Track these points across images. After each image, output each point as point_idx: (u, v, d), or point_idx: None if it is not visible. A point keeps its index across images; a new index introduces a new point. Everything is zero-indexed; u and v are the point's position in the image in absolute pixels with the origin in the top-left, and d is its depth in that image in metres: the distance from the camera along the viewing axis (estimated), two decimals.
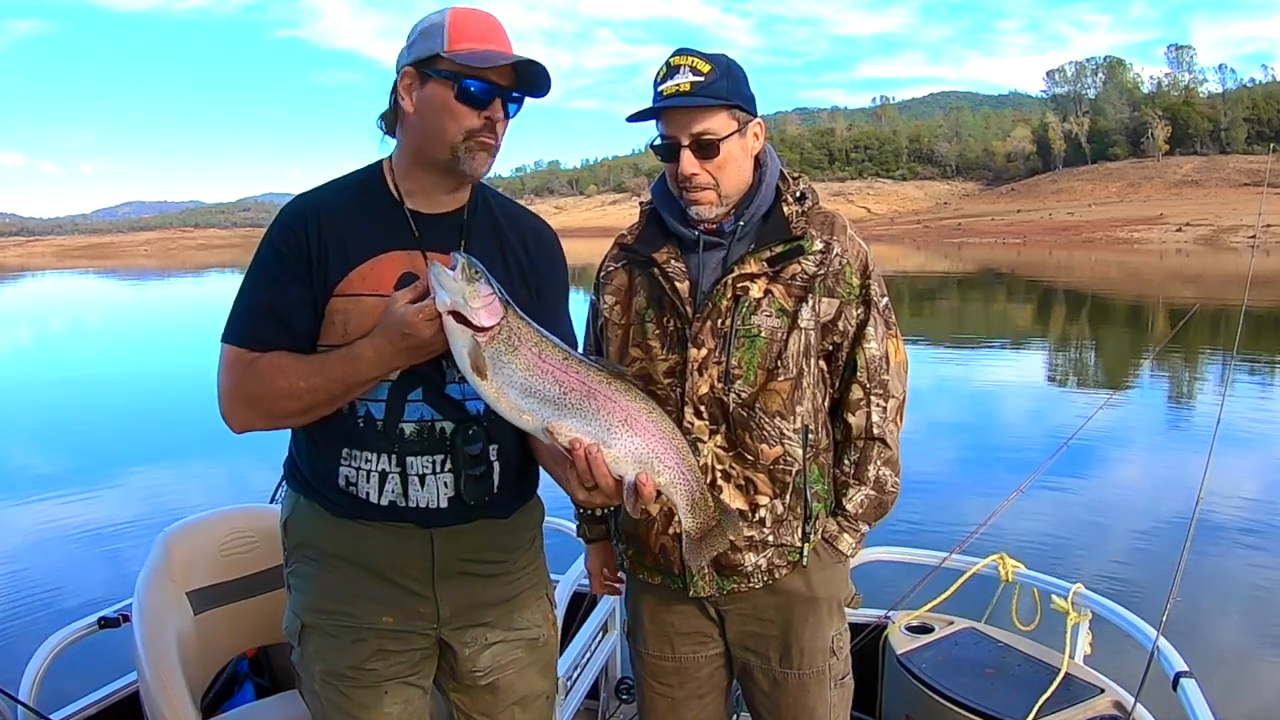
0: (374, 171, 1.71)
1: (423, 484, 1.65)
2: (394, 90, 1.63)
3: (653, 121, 1.86)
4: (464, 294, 1.43)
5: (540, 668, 1.86)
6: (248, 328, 1.61)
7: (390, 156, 1.71)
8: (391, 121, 1.68)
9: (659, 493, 1.49)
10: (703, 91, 1.76)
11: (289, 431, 1.71)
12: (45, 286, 53.07)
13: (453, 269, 1.43)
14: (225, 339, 1.62)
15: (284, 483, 1.80)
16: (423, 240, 1.64)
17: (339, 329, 1.59)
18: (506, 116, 1.63)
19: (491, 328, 1.44)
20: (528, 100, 1.65)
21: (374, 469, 1.64)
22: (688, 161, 1.80)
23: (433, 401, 1.64)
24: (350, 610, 1.68)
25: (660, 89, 1.79)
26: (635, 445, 1.47)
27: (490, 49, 1.57)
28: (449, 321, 1.44)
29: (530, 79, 1.62)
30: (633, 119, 1.85)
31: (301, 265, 1.60)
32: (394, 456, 1.64)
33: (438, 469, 1.65)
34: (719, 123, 1.79)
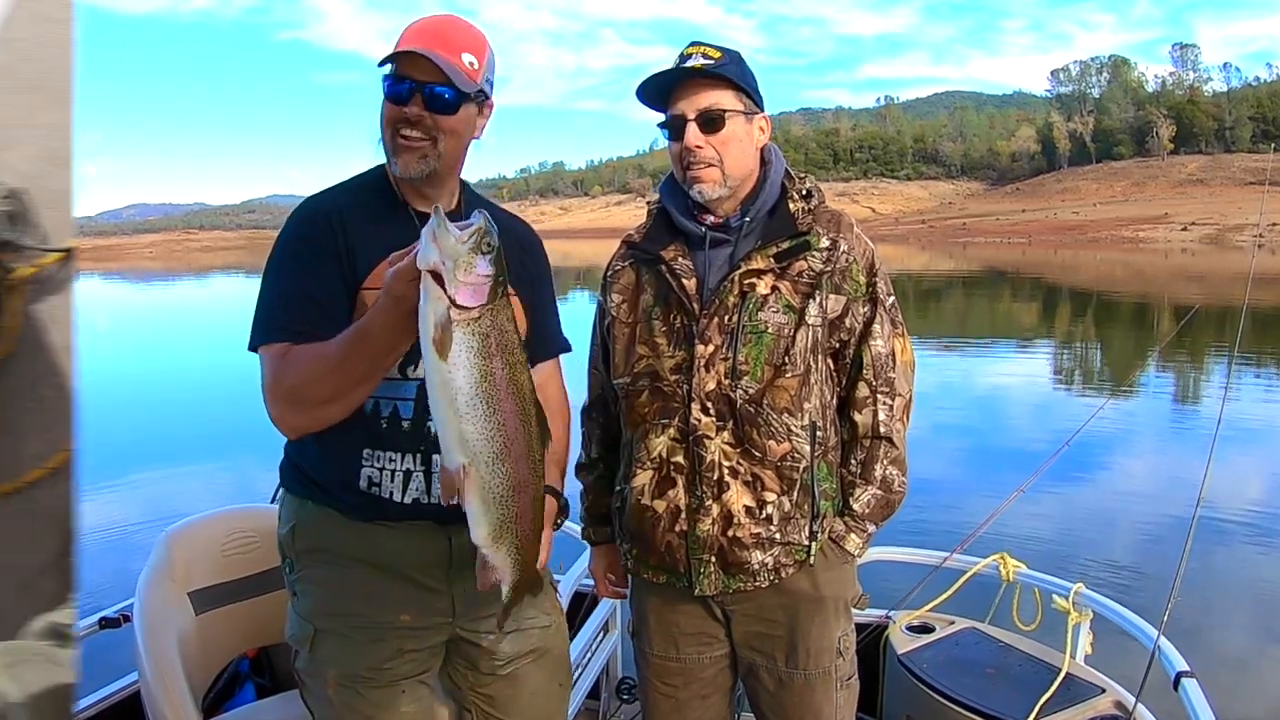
0: (380, 173, 1.73)
1: None
2: None
3: (662, 116, 1.87)
4: (456, 258, 1.24)
5: (555, 656, 1.89)
6: (283, 318, 1.56)
7: None
8: None
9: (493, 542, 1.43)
10: (712, 70, 1.80)
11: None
12: None
13: (463, 228, 1.26)
14: (261, 341, 1.57)
15: (282, 488, 1.78)
16: None
17: None
18: (430, 110, 1.59)
19: (471, 309, 1.27)
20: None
21: (399, 468, 1.65)
22: (692, 134, 1.81)
23: None
24: (367, 611, 1.68)
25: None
26: (506, 514, 1.40)
27: (413, 47, 1.56)
28: (427, 280, 1.26)
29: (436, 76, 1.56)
30: (642, 90, 1.85)
31: (331, 252, 1.60)
32: (419, 455, 1.65)
33: None
34: (725, 98, 1.81)
